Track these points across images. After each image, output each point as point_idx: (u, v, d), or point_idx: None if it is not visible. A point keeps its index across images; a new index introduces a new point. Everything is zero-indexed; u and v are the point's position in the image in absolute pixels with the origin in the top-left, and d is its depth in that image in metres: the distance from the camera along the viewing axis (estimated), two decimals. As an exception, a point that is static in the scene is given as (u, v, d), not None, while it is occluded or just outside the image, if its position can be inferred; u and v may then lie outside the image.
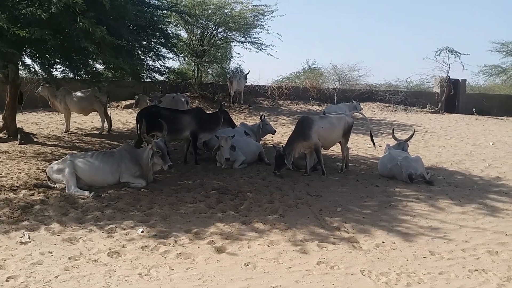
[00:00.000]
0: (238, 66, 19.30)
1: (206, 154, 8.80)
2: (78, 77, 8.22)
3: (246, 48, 17.02)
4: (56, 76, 8.08)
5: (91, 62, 8.05)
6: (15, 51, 6.23)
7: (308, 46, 52.13)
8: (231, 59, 19.54)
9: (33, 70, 7.68)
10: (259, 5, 16.06)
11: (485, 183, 7.56)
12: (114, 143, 9.79)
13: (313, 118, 7.79)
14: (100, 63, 8.29)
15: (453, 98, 20.12)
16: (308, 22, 57.50)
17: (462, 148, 11.19)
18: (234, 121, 8.67)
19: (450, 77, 19.73)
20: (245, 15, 15.94)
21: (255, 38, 16.50)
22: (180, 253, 4.17)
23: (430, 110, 18.94)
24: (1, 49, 5.97)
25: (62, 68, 8.00)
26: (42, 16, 5.69)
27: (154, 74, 9.31)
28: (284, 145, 7.54)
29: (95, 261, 3.96)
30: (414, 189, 6.89)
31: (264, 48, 16.53)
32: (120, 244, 4.35)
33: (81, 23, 5.85)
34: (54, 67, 7.64)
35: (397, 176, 7.38)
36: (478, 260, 4.24)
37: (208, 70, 19.73)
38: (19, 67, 8.35)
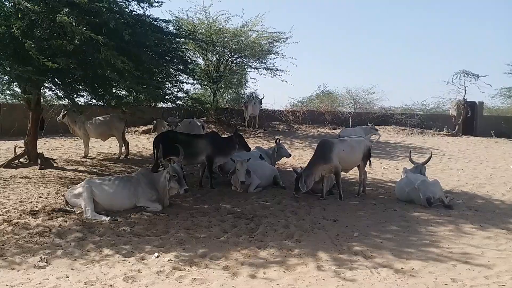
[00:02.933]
0: (253, 91, 19.58)
1: (221, 178, 8.84)
2: (102, 103, 8.46)
3: (261, 74, 17.30)
4: (79, 102, 8.35)
5: (113, 89, 8.30)
6: (42, 78, 6.51)
7: (322, 69, 52.60)
8: (246, 84, 19.86)
9: (57, 96, 7.96)
10: (274, 32, 16.37)
11: (507, 207, 7.35)
12: (132, 167, 9.92)
13: (334, 141, 7.79)
14: (122, 89, 8.54)
15: (471, 120, 19.88)
16: (322, 46, 58.16)
17: (481, 171, 10.97)
18: (249, 145, 8.73)
19: (467, 100, 19.55)
20: (260, 42, 16.25)
21: (270, 63, 16.77)
22: (195, 278, 4.15)
23: (447, 133, 18.73)
24: (28, 75, 6.24)
25: (86, 94, 8.27)
26: (68, 48, 5.96)
27: (174, 98, 9.50)
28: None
29: (111, 286, 3.96)
30: (433, 213, 6.75)
31: (278, 74, 16.77)
32: (136, 268, 4.35)
33: (103, 55, 6.12)
34: (78, 93, 7.92)
35: (415, 200, 7.25)
36: (503, 287, 4.08)
37: (224, 95, 20.03)
38: (44, 92, 8.64)
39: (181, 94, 9.64)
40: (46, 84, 7.81)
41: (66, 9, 5.98)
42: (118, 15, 6.78)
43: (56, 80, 7.45)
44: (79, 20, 5.95)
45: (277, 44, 16.63)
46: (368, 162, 7.94)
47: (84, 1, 6.07)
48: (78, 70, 6.52)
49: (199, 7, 15.68)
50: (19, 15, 6.31)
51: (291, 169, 8.43)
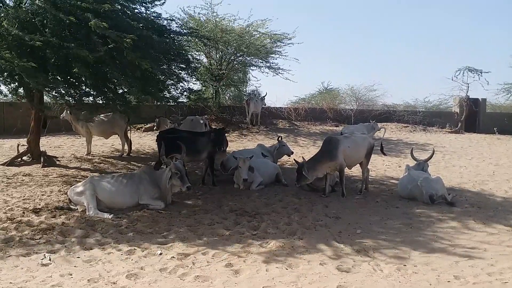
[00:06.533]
0: (255, 89, 19.53)
1: (223, 175, 8.84)
2: (108, 103, 8.51)
3: (263, 72, 17.24)
4: (85, 102, 8.42)
5: (120, 91, 8.36)
6: (55, 84, 6.63)
7: (324, 67, 52.43)
8: (248, 82, 19.81)
9: (62, 96, 8.00)
10: (278, 34, 16.22)
11: (510, 204, 7.33)
12: (134, 165, 9.93)
13: (339, 138, 7.81)
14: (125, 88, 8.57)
15: (473, 117, 19.81)
16: (325, 44, 57.99)
17: (484, 168, 10.93)
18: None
19: (470, 97, 19.48)
20: (263, 42, 16.17)
21: (272, 63, 16.69)
22: (198, 275, 4.15)
23: (450, 130, 18.68)
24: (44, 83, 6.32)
25: (93, 94, 8.31)
26: (89, 57, 6.12)
27: (176, 95, 9.51)
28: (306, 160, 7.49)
29: (114, 283, 3.97)
30: (435, 210, 6.73)
31: (281, 73, 16.70)
32: (139, 266, 4.36)
33: (128, 57, 6.33)
34: (86, 96, 7.99)
35: (417, 197, 7.24)
36: (505, 284, 4.07)
37: (226, 92, 19.99)
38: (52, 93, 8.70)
39: (183, 93, 9.65)
40: (53, 86, 7.82)
41: (90, 15, 6.13)
42: (125, 16, 6.85)
43: (66, 84, 7.50)
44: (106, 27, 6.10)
45: (280, 44, 16.54)
46: (370, 159, 8.00)
47: (107, 8, 6.23)
48: (90, 77, 6.67)
49: (208, 3, 15.64)
50: (43, 25, 6.37)
51: (293, 166, 8.44)
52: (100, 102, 8.49)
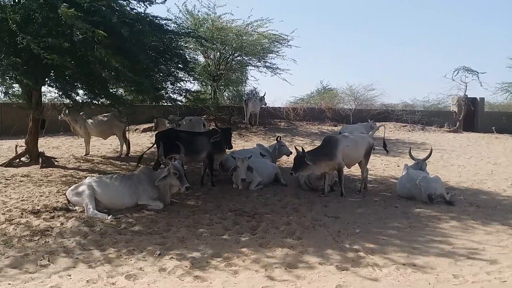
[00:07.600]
0: (254, 89, 19.51)
1: (222, 175, 8.84)
2: (98, 102, 8.43)
3: (261, 72, 17.23)
4: (77, 99, 8.33)
5: (109, 88, 8.27)
6: (37, 69, 6.51)
7: (323, 66, 52.45)
8: (246, 82, 19.79)
9: (58, 93, 7.95)
10: (276, 34, 16.17)
11: (509, 203, 7.34)
12: (133, 166, 9.91)
13: (338, 137, 7.82)
14: (118, 88, 8.51)
15: (472, 116, 19.85)
16: (325, 43, 58.02)
17: (482, 167, 10.96)
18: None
19: (468, 96, 19.52)
20: (261, 41, 16.16)
21: (270, 63, 16.67)
22: (197, 276, 4.15)
23: (448, 129, 18.71)
24: (22, 66, 6.22)
25: (83, 93, 8.24)
26: (63, 45, 5.93)
27: (174, 96, 9.49)
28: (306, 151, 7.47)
29: (113, 284, 3.96)
30: (434, 209, 6.74)
31: (279, 73, 16.67)
32: (138, 266, 4.36)
33: (98, 53, 6.06)
34: (75, 92, 7.89)
35: (416, 197, 7.25)
36: (504, 283, 4.08)
37: (224, 93, 19.98)
38: (44, 93, 8.65)
39: (181, 94, 9.63)
40: (44, 79, 7.72)
41: (65, 4, 5.94)
42: (117, 14, 6.75)
43: (53, 76, 7.40)
44: (77, 16, 5.90)
45: (279, 44, 16.49)
46: (369, 159, 8.01)
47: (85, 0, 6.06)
48: (73, 67, 6.49)
49: (210, 3, 15.64)
50: (16, 8, 6.25)
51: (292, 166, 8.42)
52: (91, 99, 8.44)
